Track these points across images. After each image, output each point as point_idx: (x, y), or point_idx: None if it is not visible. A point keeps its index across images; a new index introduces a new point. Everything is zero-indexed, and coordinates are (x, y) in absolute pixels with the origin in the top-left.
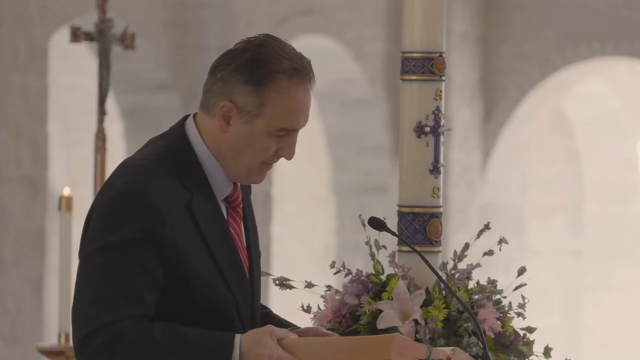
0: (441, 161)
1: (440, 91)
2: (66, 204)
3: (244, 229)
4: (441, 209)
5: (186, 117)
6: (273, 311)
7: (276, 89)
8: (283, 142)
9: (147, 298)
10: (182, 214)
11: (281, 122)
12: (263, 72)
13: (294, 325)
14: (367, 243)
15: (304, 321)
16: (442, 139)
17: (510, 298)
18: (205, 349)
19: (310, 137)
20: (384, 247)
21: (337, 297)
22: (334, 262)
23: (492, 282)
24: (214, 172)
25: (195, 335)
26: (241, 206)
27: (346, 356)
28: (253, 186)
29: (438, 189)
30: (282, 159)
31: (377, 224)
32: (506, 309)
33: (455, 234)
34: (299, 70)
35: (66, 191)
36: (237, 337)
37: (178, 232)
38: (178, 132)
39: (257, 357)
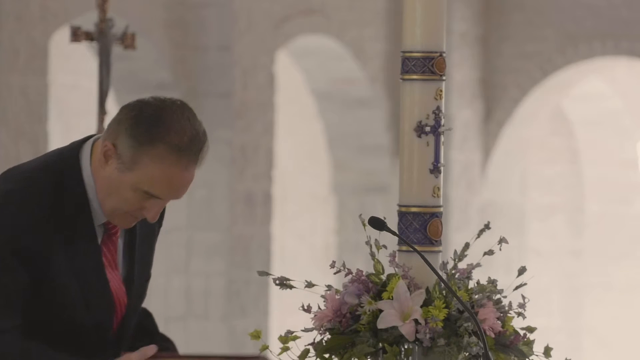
0: (441, 161)
1: (441, 91)
2: None
3: (128, 255)
4: (441, 209)
5: (89, 137)
6: (155, 320)
7: (150, 156)
8: (148, 202)
9: (21, 308)
10: (53, 232)
11: (146, 186)
12: (148, 134)
13: (167, 341)
14: (367, 243)
15: (305, 321)
16: (442, 138)
17: (511, 298)
18: None
19: (311, 137)
20: (384, 246)
21: (337, 297)
22: (334, 262)
23: (493, 282)
24: (93, 198)
25: None
26: (118, 235)
27: None
28: (254, 185)
29: (438, 188)
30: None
31: (377, 223)
32: (506, 308)
33: (456, 234)
34: (182, 149)
35: None
36: None
37: (46, 250)
38: (73, 150)
39: None
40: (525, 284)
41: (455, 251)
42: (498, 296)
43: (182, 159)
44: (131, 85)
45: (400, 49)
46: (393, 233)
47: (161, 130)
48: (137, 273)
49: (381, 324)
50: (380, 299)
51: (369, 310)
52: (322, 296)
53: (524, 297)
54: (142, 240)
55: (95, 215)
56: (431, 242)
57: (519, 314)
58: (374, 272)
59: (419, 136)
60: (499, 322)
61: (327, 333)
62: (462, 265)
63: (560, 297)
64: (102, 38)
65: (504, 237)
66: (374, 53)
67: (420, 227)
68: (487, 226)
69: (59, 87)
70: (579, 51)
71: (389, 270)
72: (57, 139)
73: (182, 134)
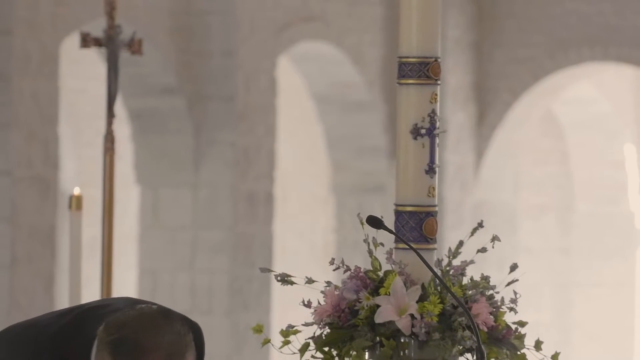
0: (436, 162)
1: (436, 95)
2: (76, 203)
3: None
4: (436, 208)
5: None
6: None
7: None
8: None
9: None
10: None
11: None
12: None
13: None
14: (365, 241)
15: (305, 316)
16: (437, 140)
17: (503, 293)
18: None
19: (311, 139)
20: (382, 244)
21: (336, 293)
22: (333, 259)
23: (485, 278)
24: None
25: None
26: None
27: None
28: (256, 186)
29: (433, 188)
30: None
31: (375, 222)
32: (499, 304)
33: (450, 232)
34: None
35: (76, 191)
36: None
37: None
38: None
39: None
40: (516, 280)
41: (450, 249)
42: (491, 292)
43: None
44: (138, 89)
45: (396, 55)
46: (390, 231)
47: (139, 354)
48: None
49: (378, 318)
50: (378, 294)
51: (367, 306)
52: (322, 292)
53: (515, 293)
54: None
55: None
56: (426, 240)
57: (511, 309)
58: (371, 268)
59: (415, 138)
60: (492, 317)
61: (327, 327)
62: (456, 262)
63: (551, 293)
64: (111, 44)
65: (496, 236)
66: (372, 58)
67: (416, 225)
68: (480, 225)
69: (69, 91)
70: (568, 57)
71: (386, 267)
72: (68, 141)
73: (161, 351)
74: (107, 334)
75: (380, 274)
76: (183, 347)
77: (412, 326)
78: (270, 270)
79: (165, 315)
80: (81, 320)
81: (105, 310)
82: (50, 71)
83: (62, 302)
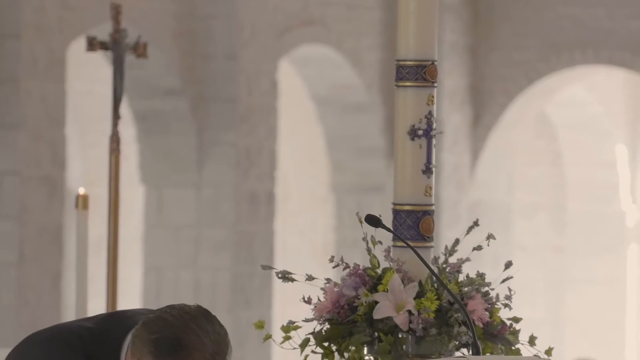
0: (433, 162)
1: (432, 97)
2: (82, 202)
3: None
4: (433, 207)
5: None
6: None
7: None
8: None
9: None
10: None
11: None
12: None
13: None
14: (364, 239)
15: (306, 312)
16: (434, 141)
17: (498, 290)
18: None
19: (311, 140)
20: (380, 242)
21: (336, 290)
22: (333, 257)
23: (481, 275)
24: None
25: None
26: None
27: None
28: (257, 185)
29: (430, 188)
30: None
31: (373, 221)
32: (494, 300)
33: (446, 231)
34: None
35: (82, 190)
36: None
37: None
38: (119, 345)
39: None
40: (511, 277)
41: (446, 247)
42: (486, 289)
43: None
44: (143, 91)
45: (394, 58)
46: (388, 230)
47: (183, 354)
48: None
49: (377, 314)
50: (376, 291)
51: (366, 302)
52: (322, 289)
53: (510, 290)
54: None
55: None
56: (423, 238)
57: (506, 306)
58: (370, 266)
59: (412, 139)
60: (487, 313)
61: (327, 323)
62: (452, 259)
63: (544, 290)
64: (116, 47)
65: (491, 234)
66: (370, 61)
67: (413, 224)
68: (475, 223)
69: (75, 93)
70: (561, 60)
71: (384, 264)
72: (75, 142)
73: (204, 351)
74: (149, 333)
75: (379, 271)
76: (225, 347)
77: (410, 322)
78: (271, 268)
79: (206, 315)
80: (108, 323)
81: (129, 313)
82: (57, 74)
83: (69, 298)
